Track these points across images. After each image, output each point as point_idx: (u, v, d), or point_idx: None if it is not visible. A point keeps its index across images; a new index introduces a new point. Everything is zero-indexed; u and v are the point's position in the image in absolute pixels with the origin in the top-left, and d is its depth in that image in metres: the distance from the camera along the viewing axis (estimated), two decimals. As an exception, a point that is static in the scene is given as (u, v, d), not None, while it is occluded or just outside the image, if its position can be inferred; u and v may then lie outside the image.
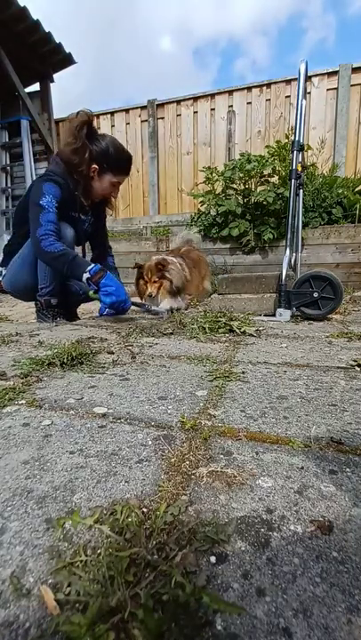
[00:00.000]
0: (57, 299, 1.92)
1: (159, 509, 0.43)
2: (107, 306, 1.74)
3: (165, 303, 2.17)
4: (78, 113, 1.69)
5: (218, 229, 3.56)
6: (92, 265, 1.68)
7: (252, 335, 1.46)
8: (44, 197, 1.69)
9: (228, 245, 3.61)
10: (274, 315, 1.89)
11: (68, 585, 0.33)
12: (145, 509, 0.43)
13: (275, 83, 4.54)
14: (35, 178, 5.39)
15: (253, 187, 3.51)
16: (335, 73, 4.30)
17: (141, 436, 0.63)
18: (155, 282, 2.20)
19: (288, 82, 4.47)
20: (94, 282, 1.65)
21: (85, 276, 1.65)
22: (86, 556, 0.37)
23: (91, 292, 1.70)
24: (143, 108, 5.15)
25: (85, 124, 1.69)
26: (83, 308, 2.44)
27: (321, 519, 0.42)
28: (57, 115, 5.60)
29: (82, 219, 1.96)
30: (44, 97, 5.48)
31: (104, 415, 0.72)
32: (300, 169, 1.99)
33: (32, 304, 2.08)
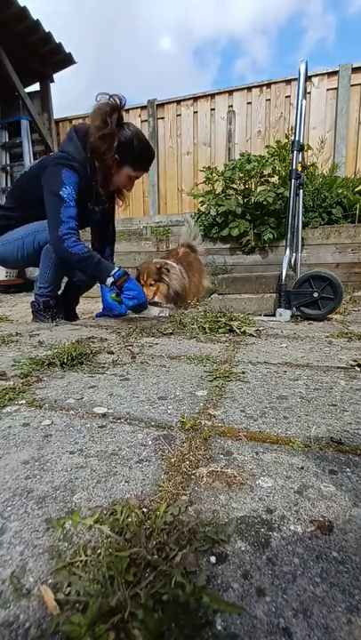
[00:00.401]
0: (56, 300, 1.91)
1: (159, 509, 0.43)
2: (129, 308, 1.72)
3: (154, 310, 2.08)
4: (111, 96, 1.58)
5: (218, 229, 3.56)
6: (116, 269, 1.64)
7: (252, 335, 1.46)
8: (65, 188, 1.59)
9: (228, 245, 3.61)
10: (274, 315, 1.89)
11: (68, 585, 0.33)
12: (145, 509, 0.43)
13: (275, 83, 4.54)
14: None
15: (253, 187, 3.51)
16: (335, 73, 4.30)
17: (141, 436, 0.63)
18: (151, 285, 2.17)
19: (288, 82, 4.47)
20: (118, 285, 1.63)
21: (110, 280, 1.62)
22: (86, 555, 0.37)
23: (113, 296, 1.70)
24: (143, 107, 5.15)
25: (116, 111, 1.59)
26: (83, 308, 2.44)
27: (321, 519, 0.42)
28: (57, 115, 5.60)
29: (95, 210, 1.89)
30: (44, 97, 5.48)
31: (104, 415, 0.72)
32: (300, 169, 1.98)
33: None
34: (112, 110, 1.57)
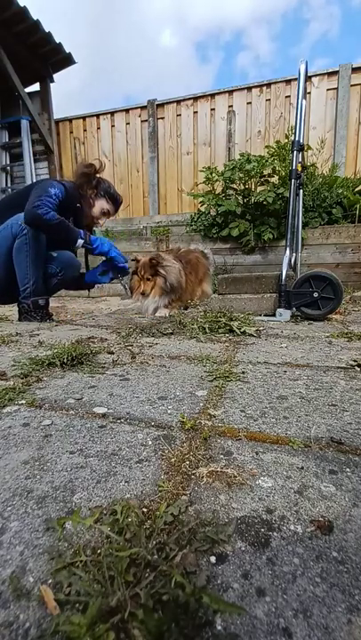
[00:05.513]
0: (44, 298, 1.91)
1: (159, 509, 0.43)
2: (102, 253, 2.00)
3: (151, 303, 2.14)
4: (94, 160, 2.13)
5: (218, 229, 3.56)
6: (79, 230, 1.92)
7: (252, 335, 1.46)
8: (53, 188, 1.83)
9: (228, 245, 3.61)
10: (274, 315, 1.89)
11: (68, 585, 0.33)
12: (145, 509, 0.43)
13: (275, 83, 4.54)
14: (35, 178, 5.38)
15: (253, 187, 3.51)
16: (335, 73, 4.30)
17: (141, 436, 0.63)
18: (148, 280, 2.16)
19: (288, 82, 4.47)
20: (87, 242, 1.92)
21: (80, 241, 1.90)
22: (86, 556, 0.37)
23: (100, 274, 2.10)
24: (143, 108, 5.15)
25: (92, 166, 2.08)
26: (83, 308, 2.44)
27: (321, 519, 0.42)
28: (57, 115, 5.60)
29: None
30: (44, 97, 5.47)
31: (104, 415, 0.72)
32: (300, 169, 1.98)
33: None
34: (91, 164, 2.07)
